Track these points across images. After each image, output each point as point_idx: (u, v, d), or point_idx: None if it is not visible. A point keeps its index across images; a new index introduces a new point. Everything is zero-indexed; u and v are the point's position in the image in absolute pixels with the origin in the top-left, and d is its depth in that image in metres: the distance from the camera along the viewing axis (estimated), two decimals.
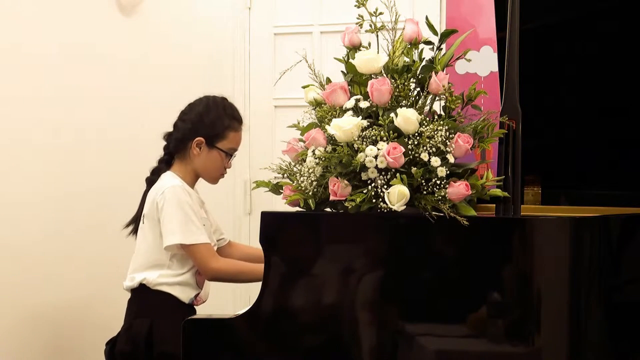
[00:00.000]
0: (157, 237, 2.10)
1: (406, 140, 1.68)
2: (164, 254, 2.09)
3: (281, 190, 1.87)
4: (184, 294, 2.13)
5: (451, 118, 1.73)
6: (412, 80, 1.77)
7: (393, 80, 1.75)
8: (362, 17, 1.83)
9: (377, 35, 1.84)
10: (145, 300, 2.13)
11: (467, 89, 1.79)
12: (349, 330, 1.75)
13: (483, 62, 2.00)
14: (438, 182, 1.65)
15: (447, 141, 1.67)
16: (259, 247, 1.87)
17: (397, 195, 1.63)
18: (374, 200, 1.66)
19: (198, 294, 2.17)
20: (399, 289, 1.72)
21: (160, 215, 2.08)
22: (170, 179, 2.15)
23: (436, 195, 1.65)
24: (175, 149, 2.22)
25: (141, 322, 2.10)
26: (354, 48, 1.86)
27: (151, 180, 2.21)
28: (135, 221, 2.24)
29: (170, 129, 2.29)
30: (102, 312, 2.59)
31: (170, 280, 2.10)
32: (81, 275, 2.75)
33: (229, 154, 2.21)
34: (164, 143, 2.28)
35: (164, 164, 2.23)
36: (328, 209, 1.79)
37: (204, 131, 2.18)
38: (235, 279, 2.19)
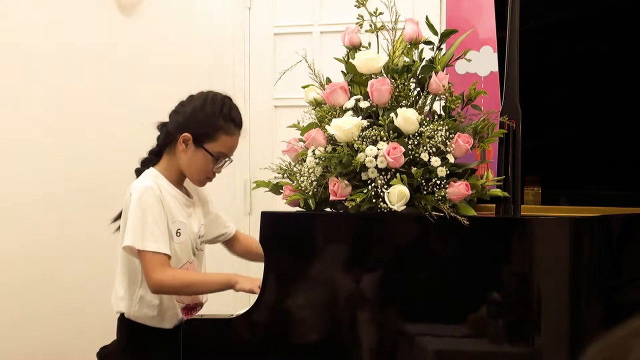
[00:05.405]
0: None
1: (406, 140, 1.68)
2: (135, 260, 1.98)
3: (281, 190, 1.87)
4: (169, 322, 2.00)
5: (451, 118, 1.73)
6: (412, 80, 1.77)
7: (393, 80, 1.75)
8: (362, 17, 1.83)
9: (377, 35, 1.83)
10: (129, 333, 2.03)
11: (467, 89, 1.79)
12: (349, 330, 1.75)
13: (483, 62, 2.00)
14: (438, 182, 1.65)
15: (447, 141, 1.67)
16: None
17: (397, 195, 1.63)
18: (374, 200, 1.66)
19: (188, 308, 2.05)
20: (399, 289, 1.71)
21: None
22: (144, 179, 2.01)
23: (436, 195, 1.65)
24: (164, 141, 2.07)
25: (127, 356, 2.02)
26: (354, 48, 1.86)
27: (139, 172, 2.08)
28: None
29: None
30: (100, 314, 2.58)
31: (151, 312, 1.98)
32: (80, 277, 2.75)
33: (217, 157, 2.01)
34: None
35: (154, 156, 2.09)
36: (328, 209, 1.79)
37: (194, 128, 2.00)
38: (181, 292, 2.00)
